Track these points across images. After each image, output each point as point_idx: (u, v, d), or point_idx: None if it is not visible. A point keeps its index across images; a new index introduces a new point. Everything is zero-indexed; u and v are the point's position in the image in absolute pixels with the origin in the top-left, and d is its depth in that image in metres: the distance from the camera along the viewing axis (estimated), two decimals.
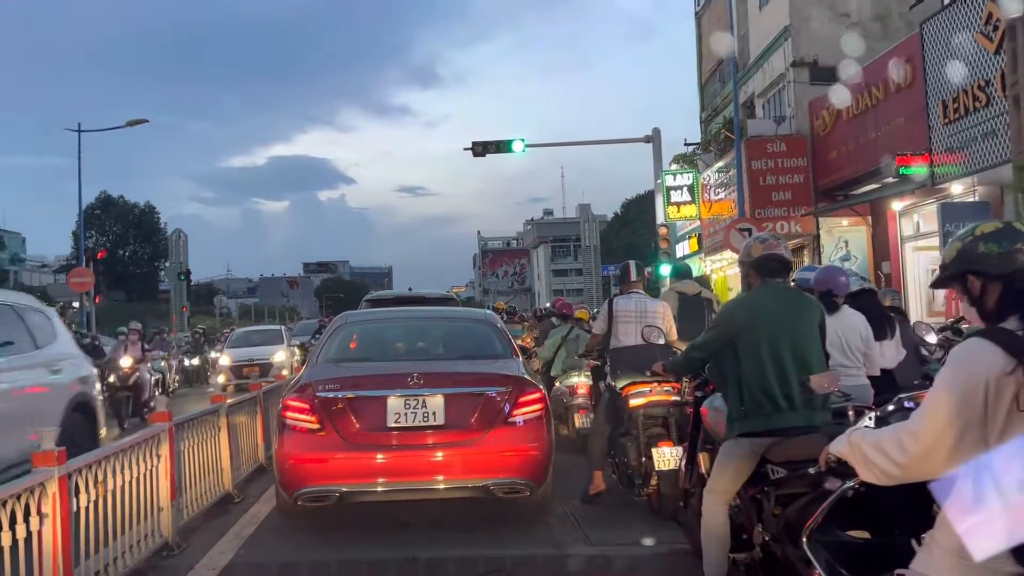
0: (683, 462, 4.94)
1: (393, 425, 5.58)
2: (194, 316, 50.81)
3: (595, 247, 37.93)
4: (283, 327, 24.92)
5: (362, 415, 5.60)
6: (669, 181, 20.83)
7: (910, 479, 2.24)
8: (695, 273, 22.67)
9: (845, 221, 16.83)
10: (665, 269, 22.77)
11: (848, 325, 5.17)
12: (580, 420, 8.38)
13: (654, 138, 23.63)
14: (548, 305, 14.16)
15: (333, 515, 5.91)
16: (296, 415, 5.64)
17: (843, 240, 16.70)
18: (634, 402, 6.01)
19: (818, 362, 4.05)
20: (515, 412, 5.68)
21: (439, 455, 5.62)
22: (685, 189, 20.58)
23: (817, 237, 16.62)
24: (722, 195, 18.94)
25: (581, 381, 8.64)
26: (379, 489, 5.67)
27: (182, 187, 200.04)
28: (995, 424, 2.10)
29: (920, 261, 15.76)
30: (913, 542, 2.46)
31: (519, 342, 9.29)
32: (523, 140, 23.08)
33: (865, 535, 3.19)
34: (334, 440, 5.53)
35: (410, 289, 11.94)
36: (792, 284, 4.92)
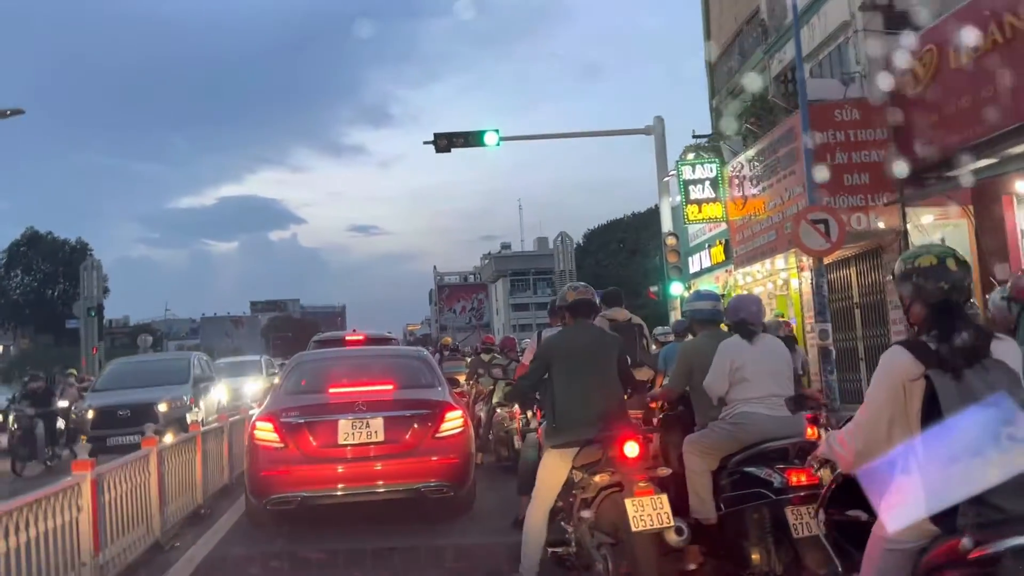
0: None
1: (343, 442, 6.83)
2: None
3: (571, 272, 33.20)
4: (197, 358, 15.95)
5: (318, 435, 6.84)
6: (687, 174, 16.46)
7: (866, 464, 2.81)
8: (715, 290, 18.03)
9: (928, 217, 12.69)
10: (676, 288, 18.46)
11: (776, 353, 5.13)
12: (518, 443, 8.78)
13: (655, 128, 19.48)
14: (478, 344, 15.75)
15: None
16: (264, 436, 6.86)
17: (939, 237, 12.54)
18: None
19: (614, 384, 4.98)
20: (440, 429, 6.99)
21: (379, 465, 6.88)
22: (707, 183, 16.28)
23: (905, 233, 12.42)
24: (759, 188, 14.70)
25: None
26: (333, 493, 6.86)
27: (129, 229, 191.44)
28: (912, 416, 2.69)
29: None
30: None
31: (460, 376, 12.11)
32: (496, 131, 18.83)
33: (862, 515, 3.34)
34: (295, 455, 6.76)
35: (354, 330, 12.99)
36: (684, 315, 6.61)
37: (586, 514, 4.63)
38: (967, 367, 2.65)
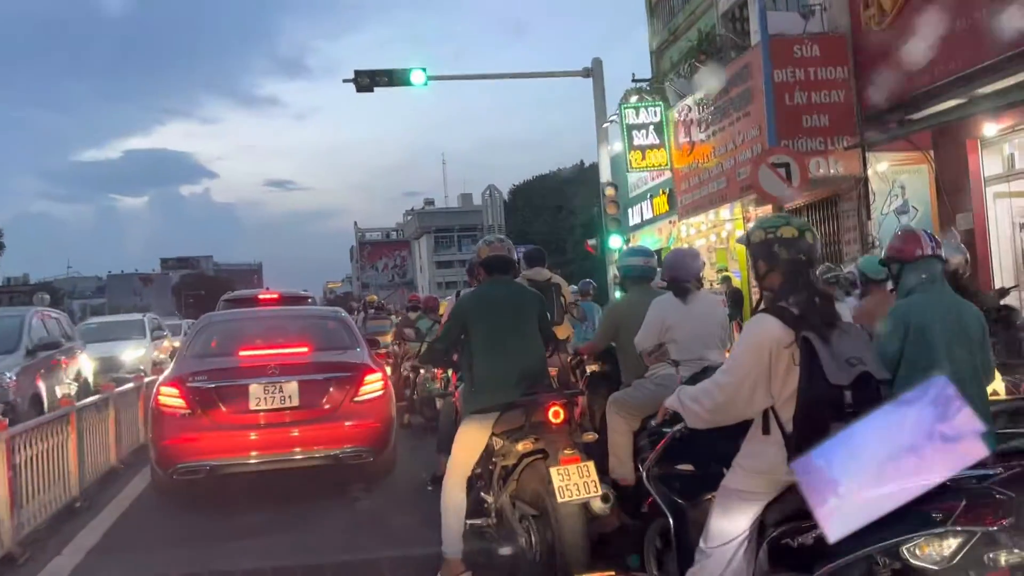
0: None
1: (255, 408, 6.46)
2: None
3: (499, 227, 31.90)
4: (40, 316, 10.52)
5: (227, 400, 6.43)
6: (630, 118, 15.41)
7: (718, 423, 3.00)
8: (656, 244, 17.01)
9: (884, 164, 11.96)
10: (615, 240, 17.49)
11: (708, 314, 4.99)
12: (439, 403, 8.59)
13: (594, 71, 18.26)
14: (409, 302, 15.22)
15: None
16: (168, 401, 6.41)
17: (899, 184, 11.84)
18: None
19: (536, 344, 4.59)
20: (358, 392, 6.68)
21: (295, 431, 6.47)
22: (651, 128, 15.27)
23: (865, 180, 11.66)
24: (708, 133, 13.75)
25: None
26: (246, 462, 6.42)
27: (28, 184, 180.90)
28: (777, 378, 2.82)
29: (1008, 212, 11.09)
30: (724, 469, 3.06)
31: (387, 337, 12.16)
32: (423, 70, 17.37)
33: (690, 468, 3.60)
34: (203, 422, 6.34)
35: (267, 288, 12.40)
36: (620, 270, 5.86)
37: (507, 484, 4.37)
38: (831, 330, 2.84)
